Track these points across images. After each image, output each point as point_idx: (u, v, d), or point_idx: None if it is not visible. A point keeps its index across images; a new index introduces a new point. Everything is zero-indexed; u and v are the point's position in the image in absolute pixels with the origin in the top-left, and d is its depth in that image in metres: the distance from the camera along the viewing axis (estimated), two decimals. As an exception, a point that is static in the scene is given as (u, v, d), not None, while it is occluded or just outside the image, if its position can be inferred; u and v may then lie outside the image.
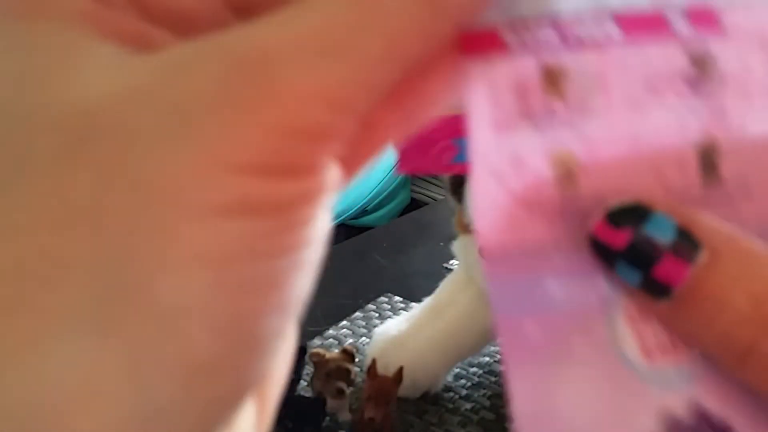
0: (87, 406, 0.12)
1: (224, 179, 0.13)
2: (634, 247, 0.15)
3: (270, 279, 0.14)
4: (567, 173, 0.16)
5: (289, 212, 0.14)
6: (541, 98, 0.16)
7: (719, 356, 0.15)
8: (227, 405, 0.14)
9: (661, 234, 0.15)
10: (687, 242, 0.15)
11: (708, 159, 0.16)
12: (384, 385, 0.52)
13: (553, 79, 0.16)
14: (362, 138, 0.17)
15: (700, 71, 0.16)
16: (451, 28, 0.15)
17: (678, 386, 0.16)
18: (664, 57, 0.16)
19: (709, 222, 0.15)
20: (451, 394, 0.60)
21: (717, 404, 0.16)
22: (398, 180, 1.47)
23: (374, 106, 0.14)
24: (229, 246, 0.13)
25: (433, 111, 0.18)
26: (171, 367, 0.13)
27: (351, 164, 0.17)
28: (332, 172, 0.15)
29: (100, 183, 0.13)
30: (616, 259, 0.15)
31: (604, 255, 0.15)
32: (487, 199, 0.16)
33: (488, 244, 0.16)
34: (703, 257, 0.15)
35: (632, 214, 0.15)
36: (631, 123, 0.16)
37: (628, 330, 0.16)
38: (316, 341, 0.67)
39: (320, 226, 0.15)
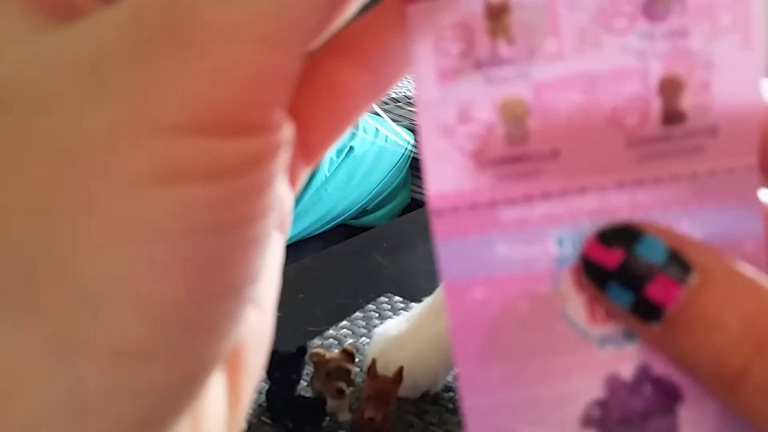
0: (11, 394, 0.11)
1: (150, 141, 0.11)
2: (627, 267, 0.15)
3: (214, 258, 0.12)
4: (516, 121, 0.15)
5: (234, 178, 0.12)
6: (486, 40, 0.15)
7: (711, 380, 0.15)
8: (170, 394, 0.13)
9: (652, 255, 0.15)
10: (679, 263, 0.15)
11: (670, 98, 0.15)
12: (384, 385, 0.52)
13: (496, 15, 0.15)
14: (329, 102, 0.16)
15: None
16: None
17: (625, 346, 0.16)
18: None
19: (698, 244, 0.15)
20: (452, 394, 0.59)
21: (664, 365, 0.15)
22: (398, 180, 1.47)
23: (310, 42, 0.13)
24: (161, 219, 0.11)
25: (402, 68, 0.17)
26: (97, 352, 0.12)
27: (323, 131, 0.17)
28: (284, 130, 0.13)
29: (10, 156, 0.11)
30: (608, 280, 0.15)
31: (596, 276, 0.15)
32: (436, 153, 0.15)
33: (437, 200, 0.15)
34: (694, 279, 0.14)
35: (623, 235, 0.15)
36: (584, 63, 0.15)
37: (576, 293, 0.16)
38: (316, 341, 0.67)
39: (274, 194, 0.13)
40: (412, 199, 1.54)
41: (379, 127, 1.38)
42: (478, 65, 0.15)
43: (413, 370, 0.56)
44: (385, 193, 1.44)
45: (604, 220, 0.15)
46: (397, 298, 0.75)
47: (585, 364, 0.16)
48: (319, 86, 0.16)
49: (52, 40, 0.12)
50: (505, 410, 0.16)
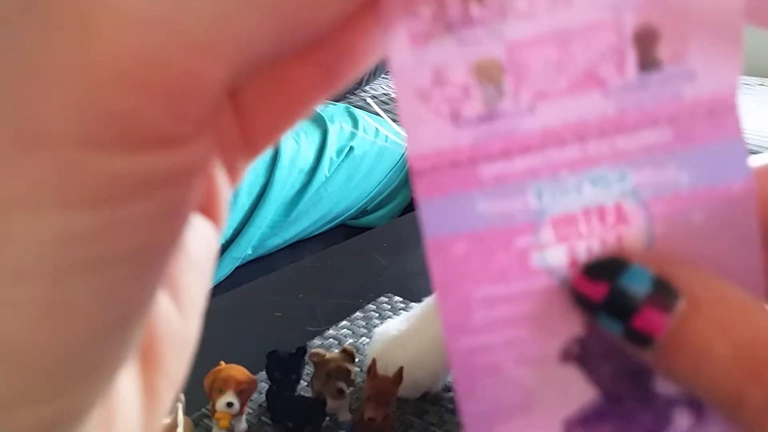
0: None
1: (25, 157, 0.09)
2: (613, 299, 0.15)
3: (93, 296, 0.10)
4: (491, 82, 0.15)
5: (131, 203, 0.10)
6: (457, 1, 0.15)
7: (711, 404, 0.15)
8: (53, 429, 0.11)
9: (638, 285, 0.15)
10: (665, 292, 0.15)
11: (645, 48, 0.15)
12: (384, 386, 0.52)
13: None
14: (275, 95, 0.15)
15: None
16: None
17: None
18: None
19: (687, 268, 0.15)
20: (452, 394, 0.59)
21: None
22: (398, 180, 1.47)
23: (265, 59, 0.11)
24: (28, 256, 0.10)
25: (355, 64, 0.15)
26: None
27: (267, 124, 0.16)
28: (202, 144, 0.11)
29: None
30: (597, 310, 0.15)
31: (586, 307, 0.15)
32: (414, 118, 0.15)
33: (418, 161, 0.16)
34: (682, 306, 0.14)
35: (609, 268, 0.15)
36: (556, 20, 0.15)
37: (557, 242, 0.16)
38: (316, 341, 0.67)
39: (184, 217, 0.11)
40: (412, 199, 1.53)
41: (379, 127, 1.38)
42: (450, 27, 0.15)
43: (413, 370, 0.56)
44: (385, 193, 1.44)
45: (584, 170, 0.15)
46: (397, 298, 0.75)
47: (566, 308, 0.16)
48: (265, 77, 0.15)
49: None
50: (489, 349, 0.16)
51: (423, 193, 0.16)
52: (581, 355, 0.16)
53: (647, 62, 0.15)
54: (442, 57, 0.15)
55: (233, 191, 0.17)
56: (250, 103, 0.15)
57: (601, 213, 0.16)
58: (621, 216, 0.16)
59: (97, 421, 0.13)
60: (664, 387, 0.16)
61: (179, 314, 0.15)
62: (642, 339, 0.15)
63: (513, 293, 0.16)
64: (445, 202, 0.16)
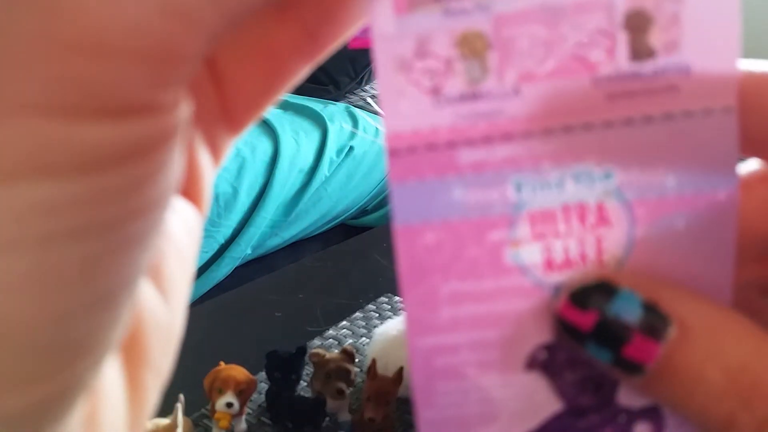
0: None
1: (6, 125, 0.09)
2: (603, 329, 0.15)
3: (77, 267, 0.10)
4: (476, 57, 0.14)
5: (109, 170, 0.10)
6: None
7: (700, 428, 0.14)
8: (31, 420, 0.11)
9: (628, 312, 0.14)
10: (655, 319, 0.14)
11: (637, 33, 0.14)
12: (384, 386, 0.52)
13: None
14: (258, 64, 0.15)
15: None
16: None
17: None
18: None
19: (675, 294, 0.15)
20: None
21: None
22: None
23: (238, 20, 0.11)
24: (5, 225, 0.09)
25: (341, 30, 0.15)
26: None
27: (250, 96, 0.15)
28: (179, 110, 0.11)
29: None
30: (585, 339, 0.15)
31: (573, 336, 0.15)
32: (393, 90, 0.14)
33: (394, 139, 0.15)
34: (673, 333, 0.14)
35: (597, 294, 0.15)
36: None
37: (533, 239, 0.15)
38: (316, 341, 0.67)
39: (165, 184, 0.11)
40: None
41: (379, 127, 1.38)
42: None
43: (413, 371, 0.56)
44: (385, 193, 1.44)
45: (567, 165, 0.15)
46: (397, 298, 0.75)
47: (537, 310, 0.15)
48: (247, 45, 0.15)
49: None
50: (452, 351, 0.16)
51: (397, 176, 0.15)
52: (547, 362, 0.16)
53: (640, 50, 0.14)
54: (426, 27, 0.14)
55: (217, 172, 0.17)
56: (230, 73, 0.15)
57: (582, 212, 0.15)
58: (602, 216, 0.15)
59: (82, 416, 0.13)
60: (627, 399, 0.16)
61: (163, 302, 0.15)
62: (632, 367, 0.14)
63: (483, 290, 0.15)
64: (419, 187, 0.15)
